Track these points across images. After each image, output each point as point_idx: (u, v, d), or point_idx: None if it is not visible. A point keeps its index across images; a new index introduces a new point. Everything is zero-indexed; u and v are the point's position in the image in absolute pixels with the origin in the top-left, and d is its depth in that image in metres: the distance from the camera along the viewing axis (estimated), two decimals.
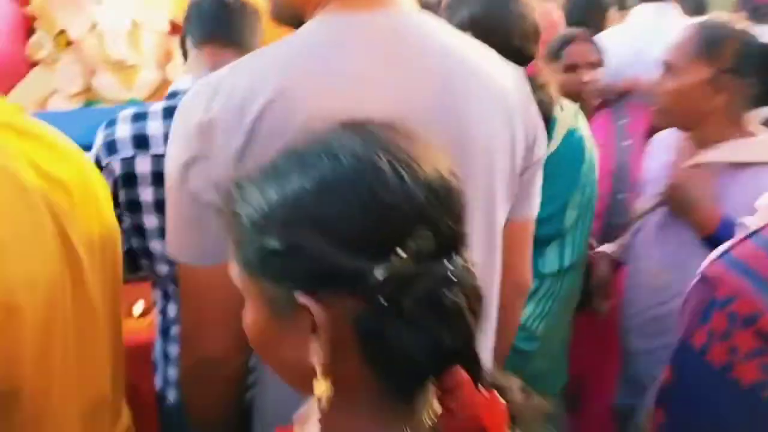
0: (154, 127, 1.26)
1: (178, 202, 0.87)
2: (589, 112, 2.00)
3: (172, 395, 1.36)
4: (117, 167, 1.25)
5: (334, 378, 0.53)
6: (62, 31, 2.36)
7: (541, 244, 1.41)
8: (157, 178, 1.24)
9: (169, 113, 1.26)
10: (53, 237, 0.77)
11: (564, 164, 1.45)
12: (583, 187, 1.51)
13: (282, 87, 0.82)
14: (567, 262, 1.50)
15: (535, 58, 1.41)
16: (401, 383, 0.54)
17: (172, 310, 1.36)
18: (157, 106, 1.29)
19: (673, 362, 0.92)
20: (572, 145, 1.48)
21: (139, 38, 2.33)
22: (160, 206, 1.25)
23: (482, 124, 0.89)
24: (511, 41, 1.35)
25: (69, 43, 2.36)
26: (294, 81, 0.82)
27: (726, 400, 0.80)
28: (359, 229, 0.50)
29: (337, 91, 0.82)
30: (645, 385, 1.38)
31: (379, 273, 0.49)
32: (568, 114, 1.51)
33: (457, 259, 0.52)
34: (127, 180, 1.25)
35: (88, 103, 2.32)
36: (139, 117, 1.27)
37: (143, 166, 1.25)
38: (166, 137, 1.24)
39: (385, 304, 0.49)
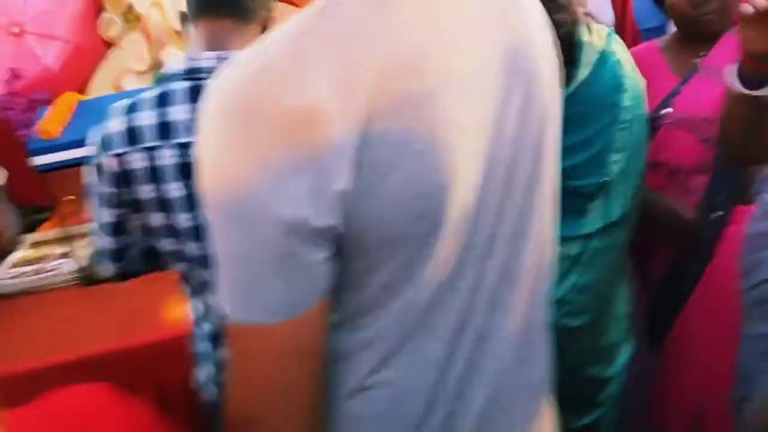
0: (144, 117, 1.16)
1: (259, 237, 0.60)
2: (709, 40, 1.51)
3: (206, 393, 1.31)
4: (112, 165, 1.17)
5: None
6: (130, 7, 2.34)
7: (581, 199, 1.21)
8: (153, 173, 1.15)
9: (161, 101, 1.16)
10: None
11: (599, 97, 1.19)
12: (629, 123, 1.23)
13: (394, 53, 0.61)
14: (614, 217, 1.24)
15: None
16: None
17: (194, 308, 1.29)
18: (147, 94, 1.18)
19: None
20: (607, 72, 1.20)
21: None
22: (162, 203, 1.16)
23: (545, 61, 0.75)
24: None
25: (138, 18, 2.34)
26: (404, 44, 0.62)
27: None
28: None
29: (433, 43, 0.64)
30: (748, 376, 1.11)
31: None
32: (599, 36, 1.23)
33: None
34: (123, 178, 1.17)
35: None
36: (131, 108, 1.18)
37: (137, 162, 1.16)
38: (160, 127, 1.15)
39: None
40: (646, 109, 1.31)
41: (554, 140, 0.78)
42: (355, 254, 0.64)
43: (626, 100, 1.24)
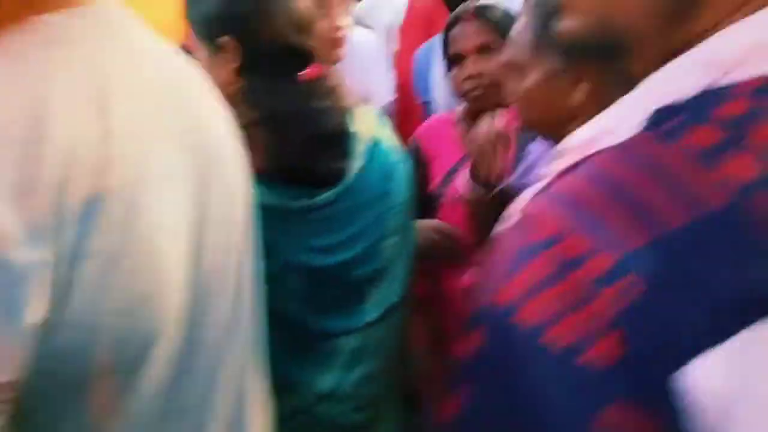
0: None
1: None
2: (484, 114, 1.45)
3: None
4: None
5: None
6: None
7: (360, 288, 1.17)
8: None
9: None
10: None
11: (372, 187, 1.17)
12: (400, 207, 1.22)
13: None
14: (394, 299, 1.21)
15: (314, 55, 1.11)
16: None
17: None
18: None
19: (481, 326, 0.67)
20: (378, 160, 1.18)
21: None
22: None
23: (231, 155, 0.72)
24: (280, 37, 1.06)
25: None
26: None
27: (536, 372, 0.60)
28: None
29: (117, 136, 0.57)
30: None
31: None
32: (368, 122, 1.20)
33: None
34: None
35: None
36: None
37: None
38: None
39: None
40: (411, 192, 1.30)
41: (248, 238, 0.75)
42: (41, 404, 0.52)
43: (397, 186, 1.23)
